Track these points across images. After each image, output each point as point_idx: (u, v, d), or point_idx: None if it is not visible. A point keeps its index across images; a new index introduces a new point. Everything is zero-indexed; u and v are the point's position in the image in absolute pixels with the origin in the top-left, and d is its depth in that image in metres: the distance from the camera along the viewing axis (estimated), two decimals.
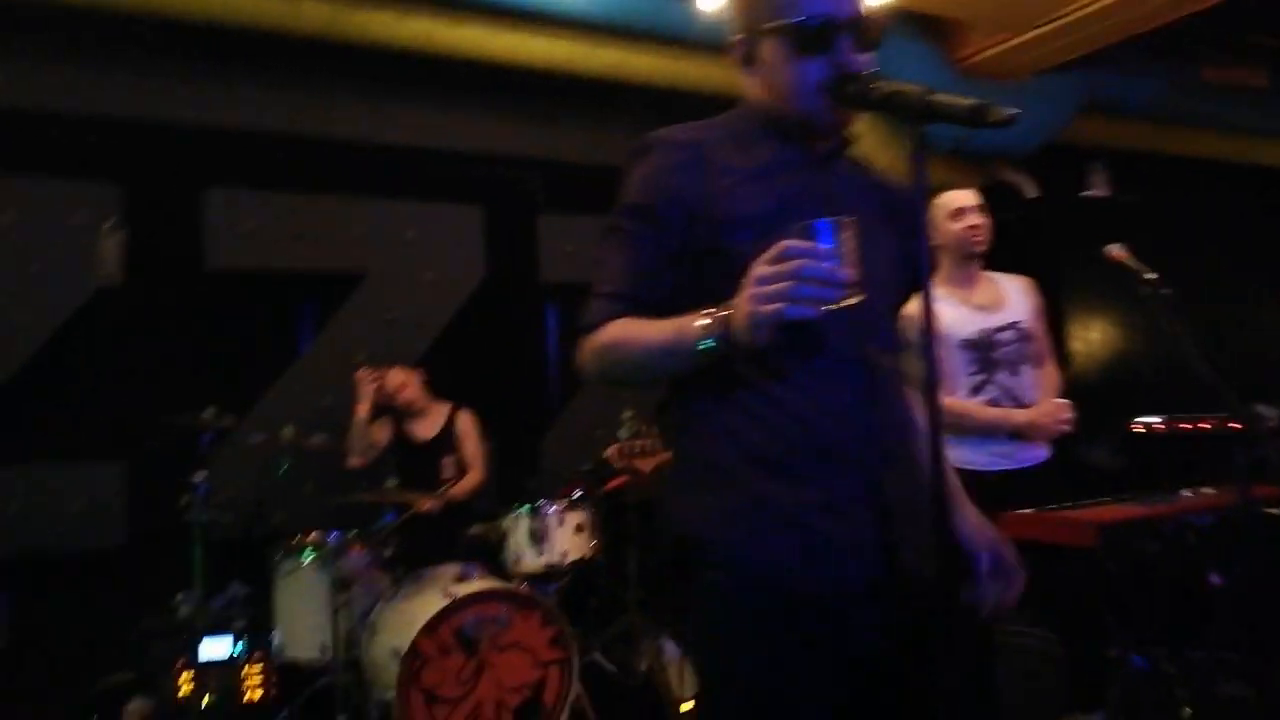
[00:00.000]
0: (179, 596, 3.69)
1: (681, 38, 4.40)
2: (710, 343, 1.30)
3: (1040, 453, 3.13)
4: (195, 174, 4.39)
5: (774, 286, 1.21)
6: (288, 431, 3.70)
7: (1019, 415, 3.06)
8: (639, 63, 4.52)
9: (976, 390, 3.09)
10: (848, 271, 1.22)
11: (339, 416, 4.21)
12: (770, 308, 1.20)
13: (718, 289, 1.35)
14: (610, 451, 3.50)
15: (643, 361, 1.43)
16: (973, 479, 2.36)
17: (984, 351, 3.11)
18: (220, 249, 4.42)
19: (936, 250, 3.18)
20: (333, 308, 4.70)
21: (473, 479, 4.24)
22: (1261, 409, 3.17)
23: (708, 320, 1.30)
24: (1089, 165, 6.01)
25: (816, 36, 1.45)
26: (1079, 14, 4.58)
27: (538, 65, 4.39)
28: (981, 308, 3.15)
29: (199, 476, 3.56)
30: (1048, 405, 3.09)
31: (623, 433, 3.51)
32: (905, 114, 1.32)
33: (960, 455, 2.94)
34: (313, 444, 3.75)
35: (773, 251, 1.23)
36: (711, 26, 4.17)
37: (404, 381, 4.24)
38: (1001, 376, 3.10)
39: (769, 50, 1.50)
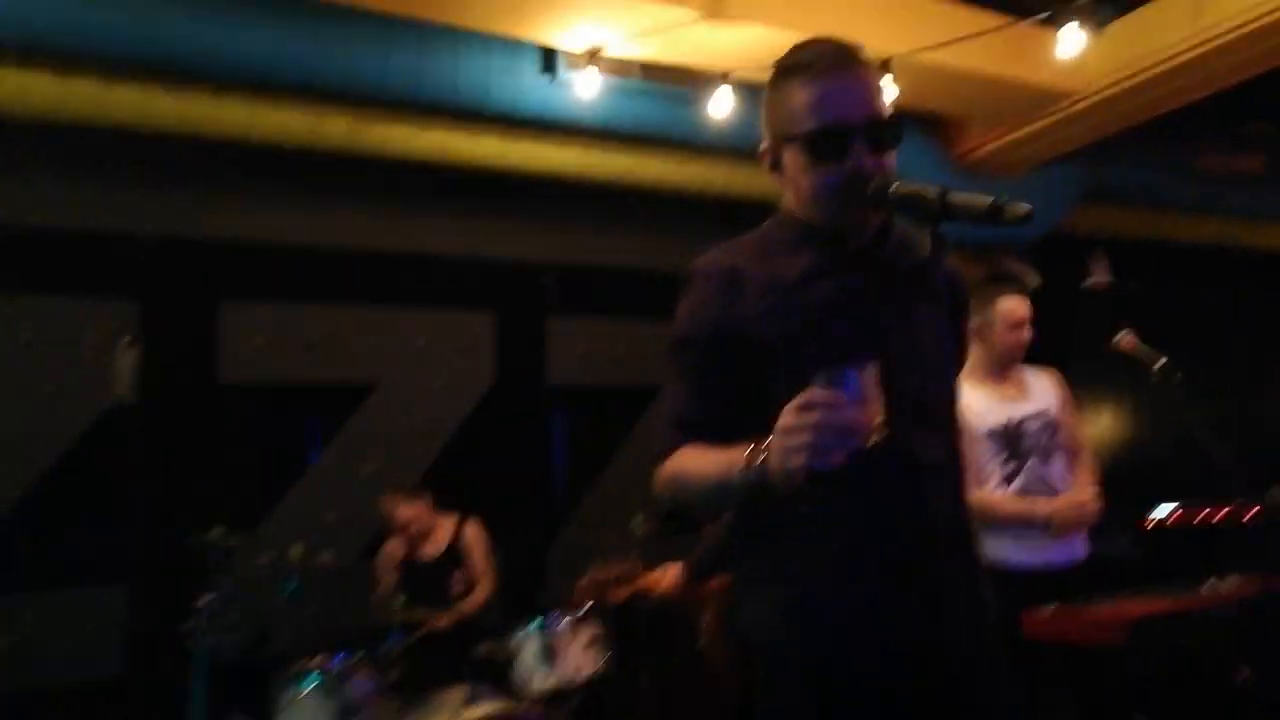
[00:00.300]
0: None
1: (689, 142, 4.50)
2: (748, 479, 1.34)
3: (1078, 550, 3.09)
4: (210, 288, 4.45)
5: (798, 439, 1.24)
6: (295, 550, 3.65)
7: (1043, 506, 3.00)
8: (648, 168, 4.63)
9: (1010, 479, 3.07)
10: (870, 415, 1.26)
11: (347, 532, 4.16)
12: (796, 460, 1.24)
13: (768, 407, 1.37)
14: (582, 584, 3.44)
15: (701, 494, 1.50)
16: (1007, 577, 2.47)
17: (1012, 441, 3.11)
18: (234, 363, 4.45)
19: (983, 348, 3.18)
20: (342, 419, 4.69)
21: (482, 593, 4.16)
22: (1275, 493, 3.13)
23: (748, 458, 1.34)
24: (1090, 254, 6.05)
25: (830, 144, 1.48)
26: (1074, 109, 4.68)
27: (550, 172, 4.52)
28: (1008, 398, 3.17)
29: (204, 599, 3.49)
30: (1072, 495, 3.05)
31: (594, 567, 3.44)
32: (924, 214, 1.35)
33: (996, 552, 2.87)
34: (320, 562, 3.69)
35: (798, 401, 1.25)
36: (718, 132, 4.27)
37: (414, 515, 4.20)
38: (1033, 464, 3.09)
39: (790, 158, 1.55)
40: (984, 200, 1.32)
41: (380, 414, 4.74)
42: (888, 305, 1.53)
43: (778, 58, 1.58)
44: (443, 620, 3.79)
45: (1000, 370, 3.20)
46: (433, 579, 4.08)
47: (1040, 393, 3.22)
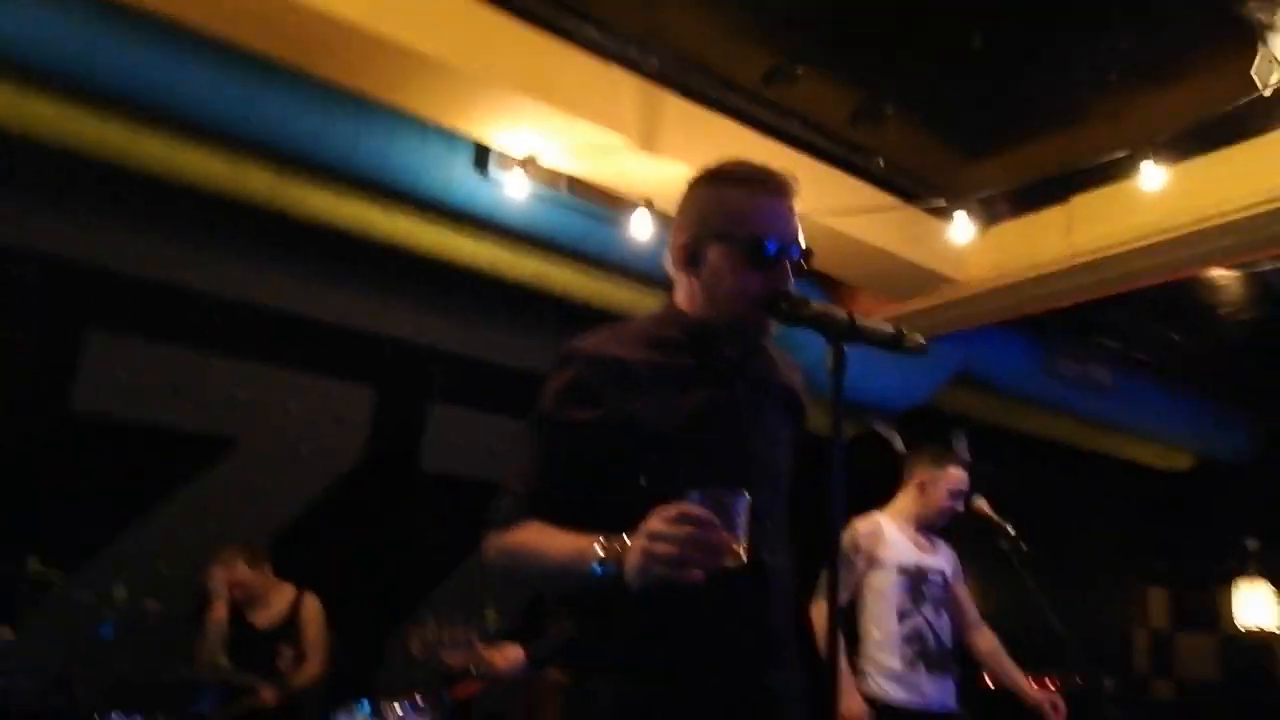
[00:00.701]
0: None
1: (604, 260, 4.62)
2: (600, 572, 1.35)
3: (950, 701, 3.33)
4: (78, 312, 4.26)
5: (665, 549, 1.27)
6: (119, 592, 3.42)
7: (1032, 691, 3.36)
8: (560, 276, 4.71)
9: (902, 617, 3.30)
10: (737, 542, 1.30)
11: (178, 585, 3.92)
12: (658, 569, 1.28)
13: (625, 500, 1.43)
14: (411, 641, 3.30)
15: (541, 574, 1.52)
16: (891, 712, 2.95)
17: (916, 583, 3.35)
18: (91, 393, 4.23)
19: (919, 501, 3.46)
20: (196, 469, 4.48)
21: (313, 668, 3.96)
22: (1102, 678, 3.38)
23: (602, 551, 1.36)
24: (952, 432, 6.42)
25: (766, 256, 1.57)
26: (954, 295, 5.06)
27: (461, 262, 4.53)
28: (920, 547, 3.44)
29: (2, 633, 3.23)
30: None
31: (429, 620, 3.32)
32: (833, 333, 1.45)
33: (880, 689, 3.25)
34: (144, 608, 3.46)
35: (672, 512, 1.29)
36: (633, 254, 4.43)
37: (246, 579, 4.01)
38: (927, 610, 3.32)
39: (715, 256, 1.60)
40: (887, 329, 1.49)
41: (237, 471, 4.56)
42: (754, 420, 1.63)
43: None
44: (267, 694, 3.57)
45: (921, 524, 3.46)
46: (262, 648, 3.87)
47: (944, 555, 3.50)
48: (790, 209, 1.63)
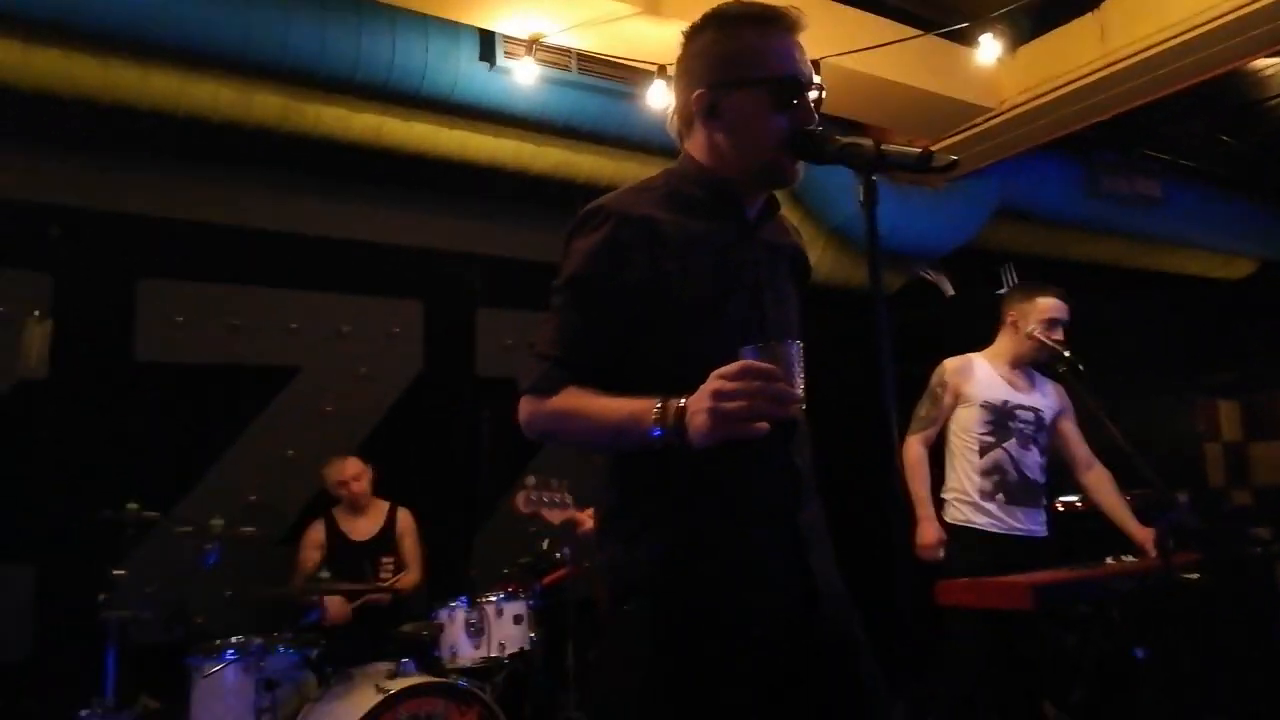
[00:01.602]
0: (83, 713, 3.45)
1: (625, 138, 4.59)
2: (660, 434, 1.37)
3: (1037, 529, 3.40)
4: (128, 264, 4.34)
5: (734, 405, 1.29)
6: (216, 523, 3.58)
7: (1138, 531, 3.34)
8: (582, 162, 4.68)
9: (984, 450, 3.36)
10: (797, 391, 1.32)
11: (268, 514, 4.10)
12: (728, 424, 1.29)
13: (661, 362, 1.48)
14: (518, 498, 3.43)
15: (593, 436, 1.49)
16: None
17: (1001, 418, 3.37)
18: (152, 341, 4.34)
19: (1011, 338, 3.45)
20: (265, 402, 4.61)
21: (412, 578, 4.16)
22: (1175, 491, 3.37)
23: (661, 413, 1.37)
24: (1001, 268, 6.33)
25: (791, 92, 1.56)
26: (988, 125, 4.92)
27: (483, 162, 4.51)
28: (1012, 384, 3.44)
29: (118, 573, 3.40)
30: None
31: (530, 479, 3.45)
32: (861, 164, 1.44)
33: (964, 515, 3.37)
34: (242, 534, 3.63)
35: (734, 368, 1.30)
36: (654, 127, 4.37)
37: (359, 472, 4.18)
38: (1011, 445, 3.36)
39: (737, 102, 1.57)
40: (914, 151, 1.46)
41: (304, 398, 4.68)
42: (769, 280, 1.64)
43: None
44: (376, 595, 3.76)
45: (1017, 362, 3.45)
46: (362, 559, 4.06)
47: (1042, 394, 3.49)
48: (801, 44, 1.60)
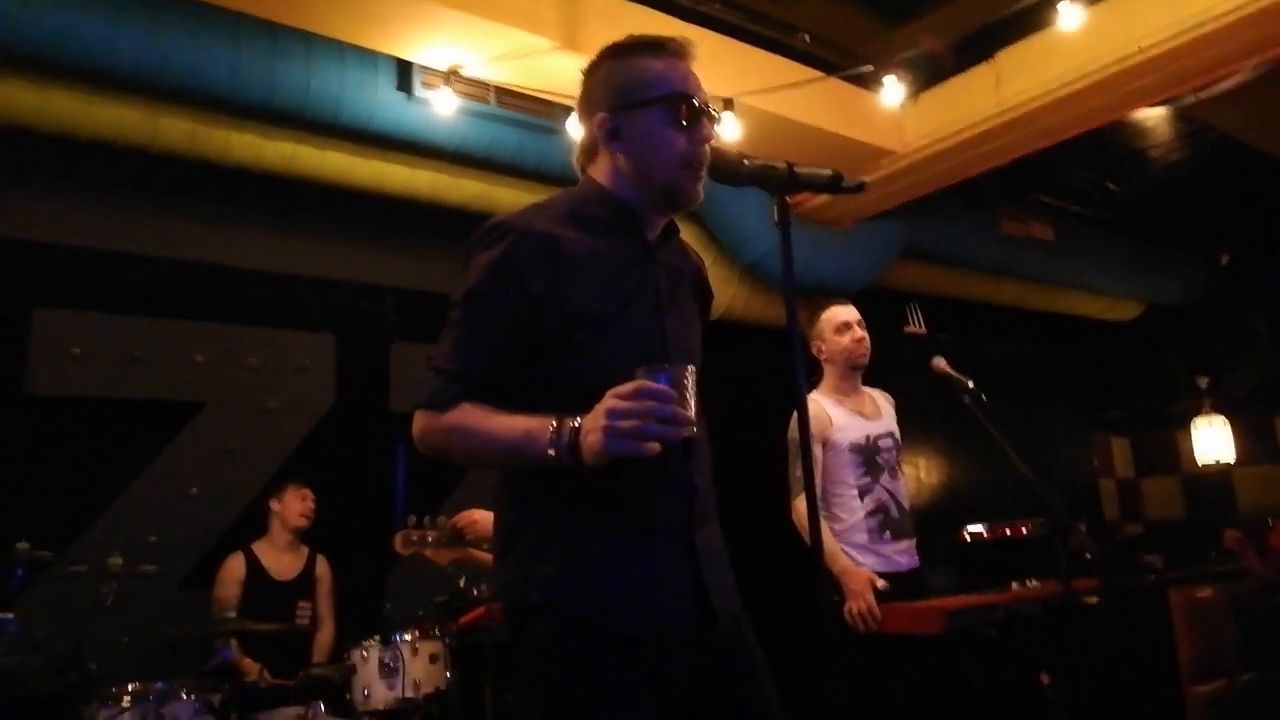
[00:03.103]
0: None
1: (543, 171, 4.61)
2: (555, 453, 1.39)
3: (912, 562, 3.36)
4: (21, 293, 4.12)
5: (627, 424, 1.32)
6: (114, 561, 3.41)
7: (852, 574, 3.15)
8: (501, 194, 4.67)
9: (863, 493, 3.31)
10: (691, 412, 1.36)
11: (170, 554, 3.93)
12: (621, 443, 1.32)
13: (558, 378, 1.51)
14: (397, 539, 3.34)
15: (487, 453, 1.51)
16: None
17: (869, 456, 3.34)
18: (46, 373, 4.12)
19: (822, 360, 3.43)
20: (167, 437, 4.43)
21: (328, 634, 4.11)
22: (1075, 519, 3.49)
23: (556, 432, 1.39)
24: (907, 306, 6.55)
25: (688, 111, 1.60)
26: (892, 168, 5.11)
27: (399, 192, 4.47)
28: (865, 415, 3.41)
29: (6, 616, 3.20)
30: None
31: (412, 519, 3.35)
32: (775, 184, 1.49)
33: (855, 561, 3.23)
34: (143, 573, 3.45)
35: (628, 388, 1.34)
36: (570, 162, 4.41)
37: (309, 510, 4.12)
38: (884, 480, 3.33)
39: (638, 122, 1.62)
40: (825, 172, 1.54)
41: (207, 433, 4.51)
42: (671, 302, 1.67)
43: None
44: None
45: (847, 381, 3.43)
46: (281, 601, 3.95)
47: (888, 414, 3.50)
48: (694, 73, 1.66)
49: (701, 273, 1.84)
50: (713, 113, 1.64)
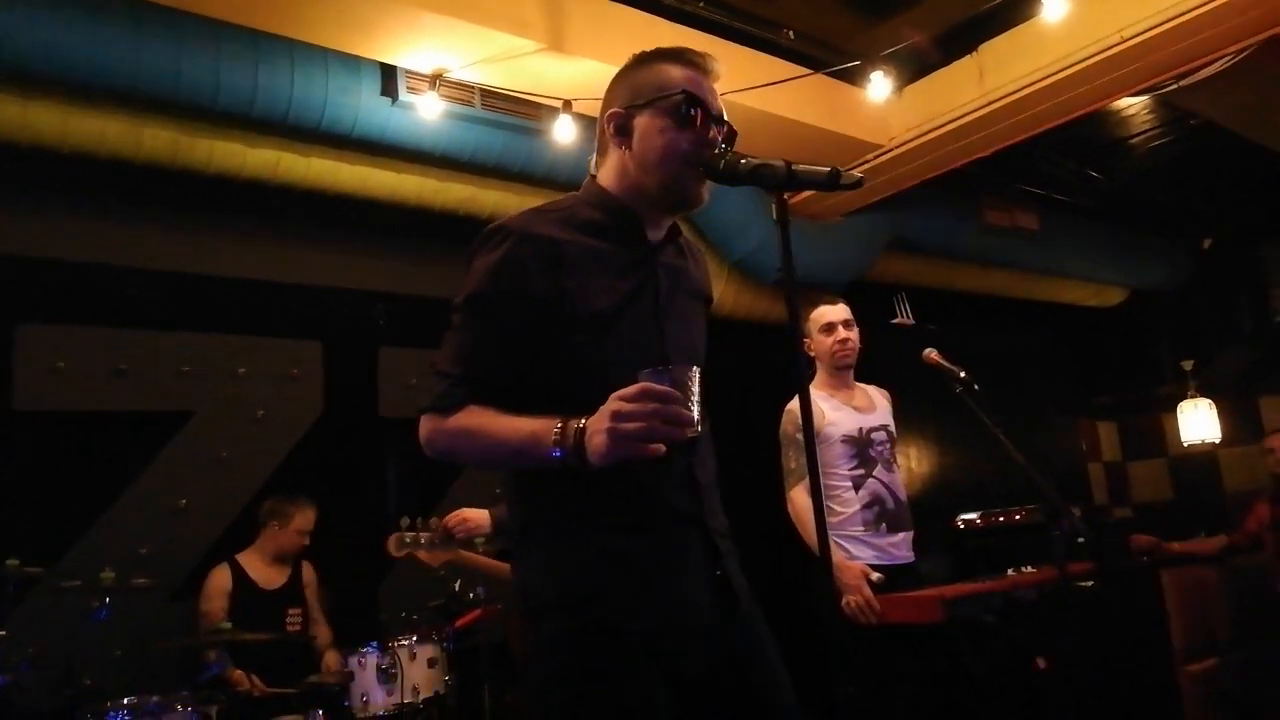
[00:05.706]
0: None
1: (529, 174, 4.58)
2: (561, 454, 1.41)
3: (909, 555, 3.37)
4: (6, 309, 4.09)
5: (632, 426, 1.33)
6: (106, 575, 3.39)
7: (844, 568, 3.14)
8: (487, 198, 4.65)
9: (857, 485, 3.32)
10: (694, 413, 1.37)
11: (161, 565, 3.90)
12: (626, 445, 1.33)
13: (561, 380, 1.52)
14: (390, 541, 3.33)
15: (493, 455, 1.53)
16: None
17: (862, 448, 3.35)
18: (32, 389, 4.09)
19: (818, 365, 3.45)
20: (155, 449, 4.40)
21: (326, 635, 4.07)
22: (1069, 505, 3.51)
23: (561, 434, 1.40)
24: (895, 298, 6.57)
25: (694, 113, 1.62)
26: (878, 161, 5.12)
27: (385, 198, 4.45)
28: (858, 408, 3.43)
29: None
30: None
31: (404, 520, 3.33)
32: (773, 183, 1.49)
33: (850, 553, 3.24)
34: (136, 586, 3.43)
35: (633, 390, 1.35)
36: (559, 163, 4.40)
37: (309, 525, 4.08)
38: (878, 472, 3.34)
39: (645, 121, 1.65)
40: (823, 170, 1.52)
41: (196, 444, 4.48)
42: (671, 303, 1.68)
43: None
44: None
45: (837, 378, 3.44)
46: (270, 610, 3.91)
47: (882, 407, 3.51)
48: (713, 88, 1.69)
49: (704, 272, 1.85)
50: (726, 127, 1.67)
